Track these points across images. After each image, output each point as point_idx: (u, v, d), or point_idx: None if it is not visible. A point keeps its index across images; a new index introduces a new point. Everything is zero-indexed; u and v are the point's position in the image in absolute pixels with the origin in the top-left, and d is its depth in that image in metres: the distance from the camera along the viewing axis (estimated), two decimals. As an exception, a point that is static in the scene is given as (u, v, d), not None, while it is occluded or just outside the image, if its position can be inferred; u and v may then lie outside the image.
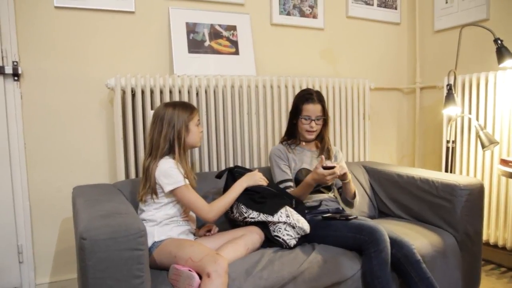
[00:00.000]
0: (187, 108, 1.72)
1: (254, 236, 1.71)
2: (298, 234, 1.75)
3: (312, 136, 2.04)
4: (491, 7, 2.60)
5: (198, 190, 1.99)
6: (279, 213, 1.74)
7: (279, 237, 1.72)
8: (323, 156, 1.83)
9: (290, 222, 1.72)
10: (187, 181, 1.65)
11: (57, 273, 2.18)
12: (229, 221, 1.96)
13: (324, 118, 2.04)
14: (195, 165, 2.26)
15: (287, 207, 1.78)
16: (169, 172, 1.62)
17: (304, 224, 1.76)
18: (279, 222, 1.73)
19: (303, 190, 1.90)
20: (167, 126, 1.66)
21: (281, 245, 1.73)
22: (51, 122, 2.14)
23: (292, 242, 1.72)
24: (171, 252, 1.52)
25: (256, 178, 1.81)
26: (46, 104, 2.12)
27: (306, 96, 2.03)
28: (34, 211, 2.12)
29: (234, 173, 1.89)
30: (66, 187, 2.13)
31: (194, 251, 1.47)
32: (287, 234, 1.72)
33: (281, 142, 2.13)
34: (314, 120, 2.00)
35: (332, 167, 1.76)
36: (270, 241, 1.74)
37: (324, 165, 1.77)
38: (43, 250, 2.15)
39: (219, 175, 1.89)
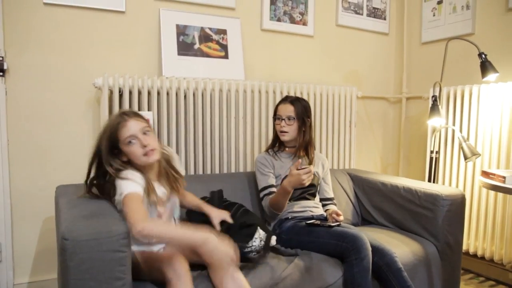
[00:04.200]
0: (108, 128, 1.49)
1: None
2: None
3: (284, 138, 2.05)
4: (476, 22, 2.66)
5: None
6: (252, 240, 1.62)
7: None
8: (300, 160, 1.84)
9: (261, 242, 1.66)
10: (138, 189, 1.42)
11: (36, 273, 2.15)
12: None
13: (299, 121, 2.04)
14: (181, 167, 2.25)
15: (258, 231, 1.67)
16: (119, 183, 1.44)
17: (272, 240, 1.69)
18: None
19: (280, 196, 1.89)
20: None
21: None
22: (36, 119, 2.11)
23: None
24: (143, 269, 1.45)
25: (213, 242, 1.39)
26: (31, 101, 2.10)
27: (280, 100, 2.13)
28: (15, 210, 2.09)
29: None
30: (49, 186, 2.10)
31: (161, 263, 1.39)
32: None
33: (267, 150, 2.15)
34: (284, 119, 2.03)
35: (306, 168, 1.78)
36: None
37: (300, 167, 1.78)
38: (23, 249, 2.12)
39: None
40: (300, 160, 1.83)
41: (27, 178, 2.11)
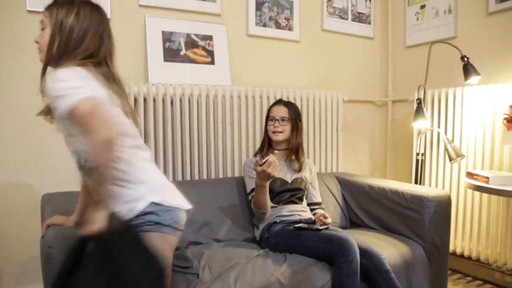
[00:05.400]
0: None
1: None
2: None
3: (278, 137, 2.08)
4: (458, 26, 2.70)
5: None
6: None
7: None
8: (256, 158, 1.80)
9: None
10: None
11: (22, 283, 2.12)
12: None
13: (292, 122, 2.09)
14: (168, 173, 2.24)
15: None
16: None
17: None
18: None
19: (258, 194, 1.88)
20: None
21: None
22: (21, 127, 2.09)
23: None
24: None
25: None
26: (17, 108, 2.07)
27: (274, 102, 2.18)
28: (1, 218, 2.06)
29: None
30: (35, 194, 2.08)
31: None
32: None
33: (255, 155, 2.17)
34: (278, 120, 2.08)
35: (266, 161, 1.74)
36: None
37: (260, 163, 1.75)
38: (8, 258, 2.09)
39: None
40: (257, 158, 1.80)
41: (13, 186, 2.08)
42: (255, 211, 1.96)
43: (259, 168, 1.75)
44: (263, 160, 1.75)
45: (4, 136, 2.06)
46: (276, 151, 2.10)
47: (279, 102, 2.16)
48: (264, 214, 1.95)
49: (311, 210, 2.13)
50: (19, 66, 2.07)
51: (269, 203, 1.94)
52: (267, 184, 1.86)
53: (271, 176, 1.76)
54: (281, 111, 2.10)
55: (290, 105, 2.13)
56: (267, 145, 2.16)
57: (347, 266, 1.62)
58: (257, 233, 2.03)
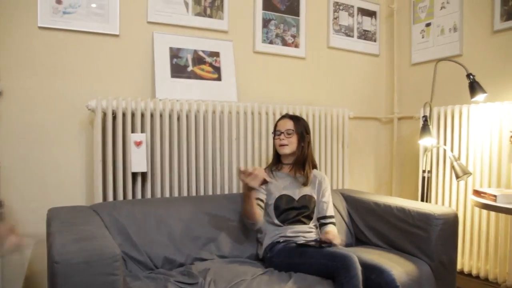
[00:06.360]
0: None
1: None
2: None
3: (284, 150, 2.09)
4: (464, 44, 2.72)
5: (175, 215, 1.98)
6: None
7: None
8: (241, 166, 1.88)
9: None
10: None
11: (26, 298, 2.11)
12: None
13: (298, 135, 2.09)
14: (174, 189, 2.24)
15: None
16: None
17: None
18: None
19: (244, 203, 1.95)
20: None
21: None
22: (29, 141, 2.11)
23: None
24: None
25: None
26: (25, 123, 2.10)
27: (280, 117, 2.21)
28: (6, 233, 2.07)
29: None
30: (41, 208, 2.08)
31: None
32: None
33: (265, 169, 2.16)
34: (283, 133, 2.09)
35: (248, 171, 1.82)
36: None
37: (242, 170, 1.83)
38: (12, 273, 2.08)
39: None
40: (241, 166, 1.91)
41: (19, 200, 2.09)
42: (244, 221, 1.97)
43: (241, 176, 1.84)
44: (243, 170, 1.82)
45: (10, 149, 2.07)
46: (284, 166, 2.11)
47: (284, 116, 2.19)
48: (252, 225, 1.97)
49: (322, 224, 2.08)
50: (30, 82, 2.10)
51: (258, 215, 1.96)
52: (252, 194, 1.91)
53: (248, 185, 1.83)
54: (287, 124, 2.11)
55: (295, 119, 2.14)
56: (276, 160, 2.16)
57: (348, 281, 1.60)
58: (261, 251, 2.02)
